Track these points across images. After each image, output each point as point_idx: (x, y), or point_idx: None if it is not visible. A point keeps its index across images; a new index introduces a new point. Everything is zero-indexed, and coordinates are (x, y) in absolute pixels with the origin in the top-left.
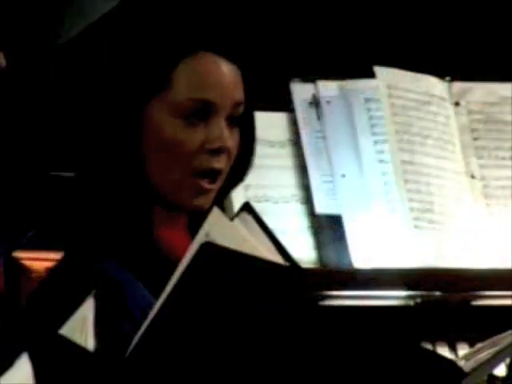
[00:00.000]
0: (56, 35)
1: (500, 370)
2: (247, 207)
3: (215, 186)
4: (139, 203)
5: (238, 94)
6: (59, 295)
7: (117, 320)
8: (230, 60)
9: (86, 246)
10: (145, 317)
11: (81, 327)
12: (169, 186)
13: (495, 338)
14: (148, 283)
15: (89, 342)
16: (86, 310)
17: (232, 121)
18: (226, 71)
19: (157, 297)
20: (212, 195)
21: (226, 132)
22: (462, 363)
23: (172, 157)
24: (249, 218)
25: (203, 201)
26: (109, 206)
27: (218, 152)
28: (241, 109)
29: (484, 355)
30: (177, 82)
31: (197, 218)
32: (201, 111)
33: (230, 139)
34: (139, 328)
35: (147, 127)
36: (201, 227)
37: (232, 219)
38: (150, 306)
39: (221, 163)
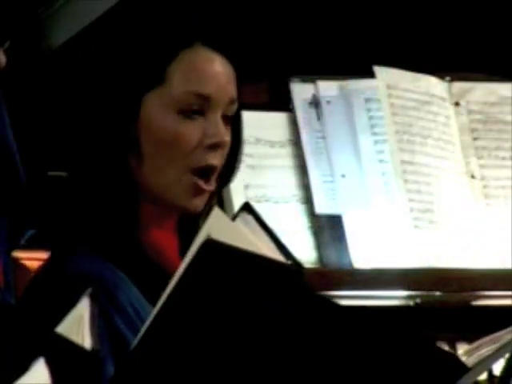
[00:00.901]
0: (49, 41)
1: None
2: (247, 207)
3: (211, 187)
4: (128, 203)
5: (233, 90)
6: (49, 296)
7: (110, 316)
8: (226, 56)
9: (74, 244)
10: (136, 312)
11: (77, 326)
12: (165, 185)
13: (495, 335)
14: (134, 283)
15: (86, 341)
16: (82, 309)
17: (225, 120)
18: (222, 67)
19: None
20: (207, 196)
21: (223, 127)
22: (463, 359)
23: (170, 152)
24: (249, 217)
25: (199, 201)
26: (97, 205)
27: (215, 147)
28: (234, 107)
29: (484, 351)
30: (173, 75)
31: (186, 220)
32: (197, 105)
33: (227, 135)
34: (132, 324)
35: (144, 123)
36: (202, 227)
37: (232, 219)
38: (140, 303)
39: (217, 160)
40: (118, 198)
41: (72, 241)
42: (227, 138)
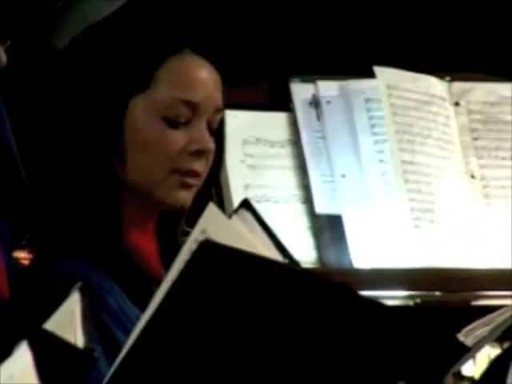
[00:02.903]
0: (55, 41)
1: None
2: (246, 204)
3: (197, 182)
4: (111, 205)
5: (219, 98)
6: (35, 298)
7: (98, 315)
8: (213, 64)
9: (58, 247)
10: (124, 313)
11: (69, 322)
12: (151, 183)
13: (489, 317)
14: (118, 286)
15: (79, 338)
16: (73, 304)
17: (210, 128)
18: (209, 74)
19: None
20: (193, 193)
21: (207, 134)
22: (461, 339)
23: (153, 157)
24: (247, 214)
25: (186, 195)
26: (80, 208)
27: (199, 154)
28: (219, 116)
29: (480, 332)
30: (160, 81)
31: (165, 223)
32: (183, 112)
33: (211, 142)
34: (122, 323)
35: (129, 126)
36: (196, 223)
37: (230, 216)
38: (127, 304)
39: (201, 166)
40: (102, 199)
41: (57, 244)
42: (212, 144)
